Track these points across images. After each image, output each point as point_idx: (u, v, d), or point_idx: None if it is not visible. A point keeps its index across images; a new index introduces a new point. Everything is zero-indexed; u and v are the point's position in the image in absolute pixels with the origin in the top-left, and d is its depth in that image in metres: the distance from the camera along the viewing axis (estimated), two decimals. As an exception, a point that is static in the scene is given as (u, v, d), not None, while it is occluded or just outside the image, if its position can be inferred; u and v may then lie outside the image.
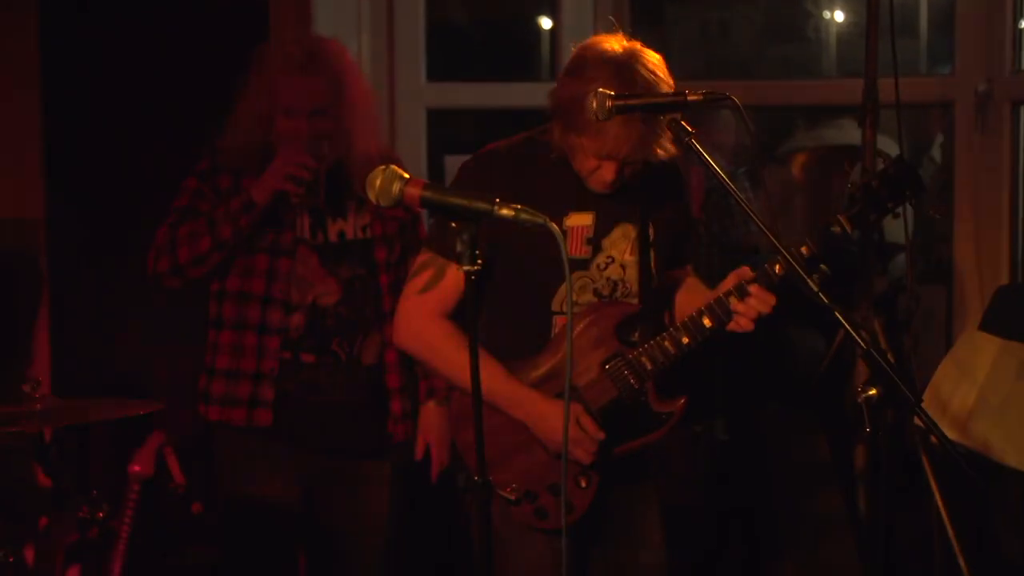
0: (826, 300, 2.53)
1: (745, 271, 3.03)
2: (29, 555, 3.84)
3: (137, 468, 3.85)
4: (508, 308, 3.09)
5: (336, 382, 3.58)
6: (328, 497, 3.68)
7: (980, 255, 4.48)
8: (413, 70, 4.78)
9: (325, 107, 3.49)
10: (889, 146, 4.07)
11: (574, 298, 3.08)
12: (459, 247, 2.39)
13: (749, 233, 4.86)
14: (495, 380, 3.00)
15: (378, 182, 2.43)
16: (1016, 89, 4.44)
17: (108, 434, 4.22)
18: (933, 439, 2.50)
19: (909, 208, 3.03)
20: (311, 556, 3.82)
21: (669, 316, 3.30)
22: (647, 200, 3.11)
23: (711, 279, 3.40)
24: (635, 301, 3.13)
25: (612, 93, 2.73)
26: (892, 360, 2.47)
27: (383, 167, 2.45)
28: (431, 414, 3.70)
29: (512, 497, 3.06)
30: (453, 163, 4.77)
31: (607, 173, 2.96)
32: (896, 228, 4.33)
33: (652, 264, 3.15)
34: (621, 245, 3.11)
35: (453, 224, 2.40)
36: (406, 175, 2.44)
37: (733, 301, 2.99)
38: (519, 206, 2.39)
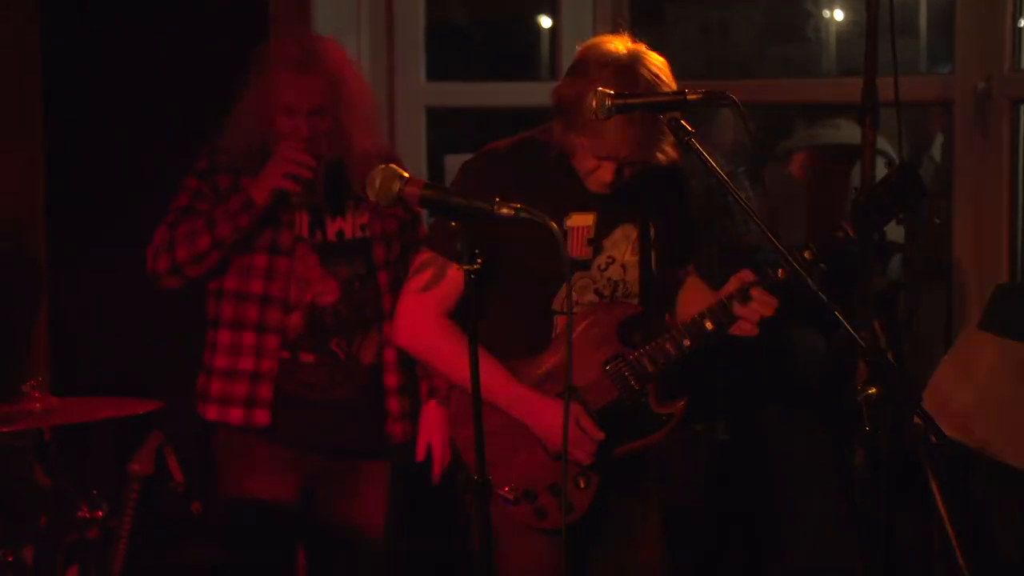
0: (826, 300, 2.53)
1: (746, 274, 3.03)
2: (29, 554, 3.84)
3: (137, 467, 3.85)
4: (509, 308, 3.09)
5: (335, 381, 3.58)
6: (327, 496, 3.68)
7: (980, 254, 4.48)
8: (413, 69, 4.78)
9: (324, 106, 3.49)
10: (884, 145, 4.07)
11: (575, 298, 3.08)
12: (459, 246, 2.39)
13: (749, 232, 4.86)
14: (495, 379, 3.00)
15: (378, 181, 2.44)
16: (1016, 88, 4.44)
17: (108, 433, 4.21)
18: (933, 438, 2.50)
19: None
20: (310, 555, 3.82)
21: (670, 317, 3.30)
22: (648, 200, 3.11)
23: (711, 279, 3.40)
24: (636, 302, 3.13)
25: (612, 92, 2.74)
26: (892, 359, 2.47)
27: (383, 166, 2.45)
28: (432, 414, 3.70)
29: (511, 497, 3.06)
30: (453, 162, 4.77)
31: (606, 173, 2.96)
32: (895, 228, 4.34)
33: (653, 264, 3.15)
34: (622, 245, 3.11)
35: (453, 223, 2.41)
36: (406, 174, 2.44)
37: (735, 304, 2.99)
38: (519, 205, 2.39)
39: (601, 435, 3.02)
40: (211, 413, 3.59)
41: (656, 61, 2.93)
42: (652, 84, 2.87)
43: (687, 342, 3.03)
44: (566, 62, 3.99)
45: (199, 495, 3.99)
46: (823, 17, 5.66)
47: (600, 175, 2.98)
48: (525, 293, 3.08)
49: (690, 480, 4.60)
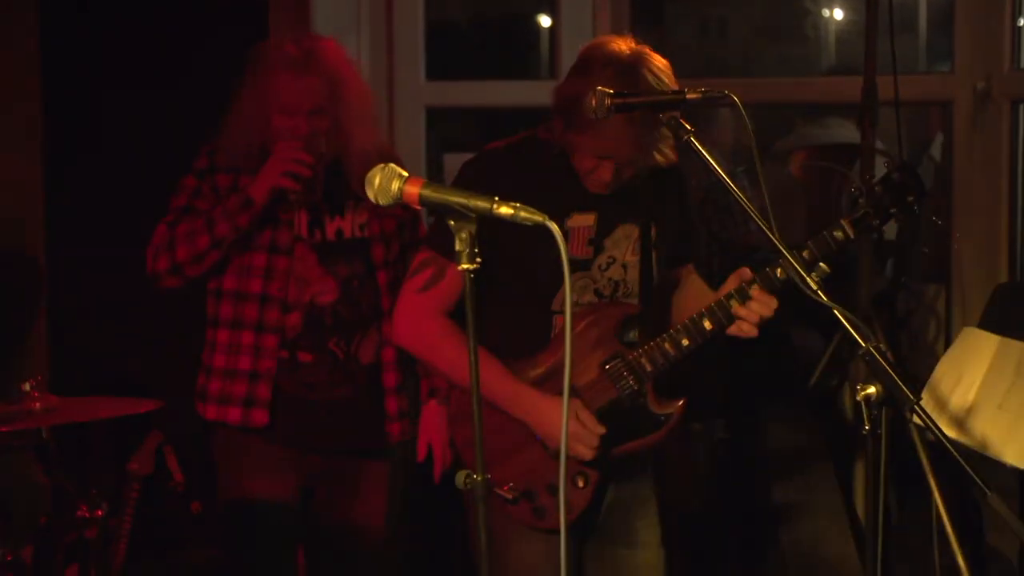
0: (825, 299, 2.53)
1: (745, 272, 3.03)
2: (28, 554, 3.84)
3: (136, 467, 3.86)
4: (508, 307, 3.09)
5: (334, 381, 3.57)
6: (327, 496, 3.68)
7: (979, 253, 4.48)
8: (412, 69, 4.78)
9: (322, 106, 3.49)
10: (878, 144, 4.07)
11: (575, 298, 3.08)
12: (458, 246, 2.39)
13: (748, 232, 4.86)
14: (494, 378, 3.00)
15: (377, 180, 2.43)
16: (1015, 87, 4.44)
17: (107, 433, 4.22)
18: (932, 437, 2.50)
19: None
20: (310, 555, 3.82)
21: (670, 317, 3.30)
22: (649, 200, 3.11)
23: (710, 277, 3.40)
24: (636, 302, 3.13)
25: (611, 92, 2.73)
26: (891, 358, 2.47)
27: (382, 165, 2.45)
28: (433, 414, 3.69)
29: (510, 496, 3.06)
30: (452, 161, 4.78)
31: (604, 173, 2.96)
32: (894, 227, 4.34)
33: (653, 265, 3.14)
34: (623, 245, 3.11)
35: (452, 222, 2.41)
36: (405, 173, 2.43)
37: (734, 304, 2.98)
38: (518, 204, 2.39)
39: (601, 429, 3.02)
40: (210, 413, 3.59)
41: (659, 63, 2.93)
42: (654, 85, 2.87)
43: (686, 342, 3.03)
44: (566, 61, 3.99)
45: (198, 495, 4.00)
46: (822, 16, 5.67)
47: (599, 175, 2.98)
48: (525, 293, 3.08)
49: (689, 479, 4.60)
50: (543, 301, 3.07)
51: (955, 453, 2.48)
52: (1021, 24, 4.49)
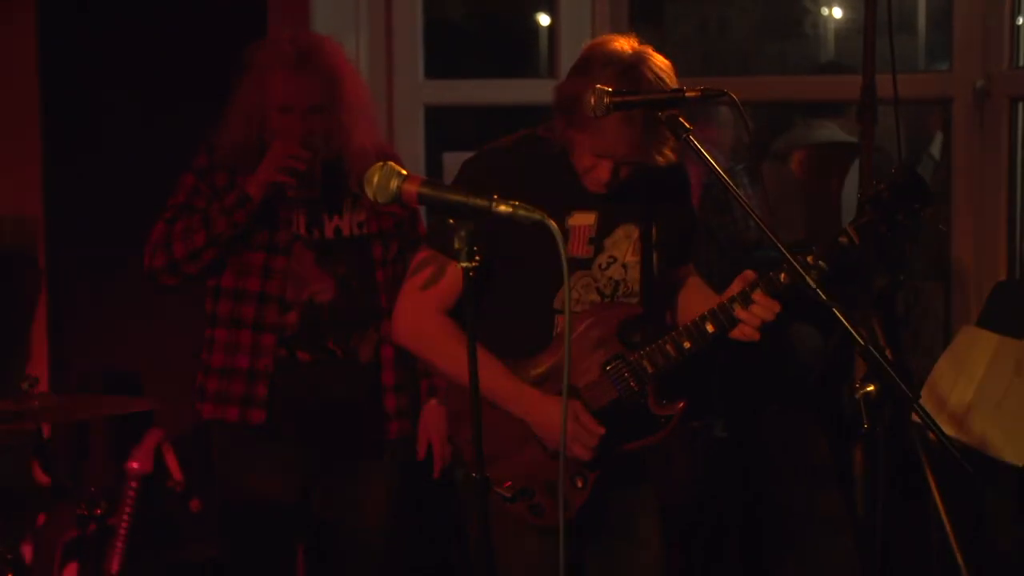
0: (824, 297, 2.52)
1: (749, 274, 3.03)
2: (27, 552, 3.84)
3: (135, 465, 3.85)
4: (509, 306, 3.08)
5: (332, 380, 3.58)
6: (326, 494, 3.68)
7: (978, 251, 4.48)
8: (411, 67, 4.78)
9: (320, 105, 3.49)
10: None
11: (576, 297, 3.07)
12: (457, 244, 2.39)
13: (748, 229, 4.86)
14: (494, 376, 2.99)
15: (375, 179, 2.43)
16: (1014, 85, 4.44)
17: (106, 431, 4.22)
18: (931, 435, 2.50)
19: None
20: (309, 553, 3.82)
21: (671, 317, 3.30)
22: (650, 200, 3.10)
23: (708, 276, 3.40)
24: (637, 301, 3.13)
25: (610, 90, 2.73)
26: (890, 357, 2.47)
27: (380, 164, 2.45)
28: (433, 412, 3.69)
29: (508, 495, 3.06)
30: (451, 160, 4.78)
31: (603, 172, 2.96)
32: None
33: (654, 264, 3.14)
34: (623, 245, 3.10)
35: (451, 221, 2.40)
36: (404, 171, 2.43)
37: (737, 308, 2.98)
38: (517, 202, 2.39)
39: (601, 430, 3.01)
40: (208, 411, 3.59)
41: (661, 63, 2.92)
42: (655, 85, 2.86)
43: (687, 344, 3.02)
44: (565, 60, 3.99)
45: (197, 493, 4.00)
46: (821, 14, 5.67)
47: (597, 174, 2.97)
48: (525, 292, 3.07)
49: (688, 479, 4.59)
50: (544, 300, 3.07)
51: (953, 450, 2.48)
52: (1020, 22, 4.49)
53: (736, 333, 3.01)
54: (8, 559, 3.59)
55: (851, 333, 2.48)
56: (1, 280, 4.57)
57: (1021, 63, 4.48)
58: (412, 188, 2.42)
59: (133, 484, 3.83)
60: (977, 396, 3.52)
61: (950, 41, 4.56)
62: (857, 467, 4.12)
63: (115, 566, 3.76)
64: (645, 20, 5.13)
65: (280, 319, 3.54)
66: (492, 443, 2.91)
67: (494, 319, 3.04)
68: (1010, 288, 3.99)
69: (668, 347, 3.03)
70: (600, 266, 3.09)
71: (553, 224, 2.37)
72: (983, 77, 4.43)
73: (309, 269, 3.56)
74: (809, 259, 2.92)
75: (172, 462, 3.92)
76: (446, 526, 4.29)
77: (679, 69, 2.96)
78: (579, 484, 3.07)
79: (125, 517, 3.80)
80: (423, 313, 3.09)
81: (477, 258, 2.38)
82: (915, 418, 2.48)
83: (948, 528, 2.58)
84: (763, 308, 2.96)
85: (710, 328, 3.01)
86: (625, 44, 2.93)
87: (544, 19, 5.26)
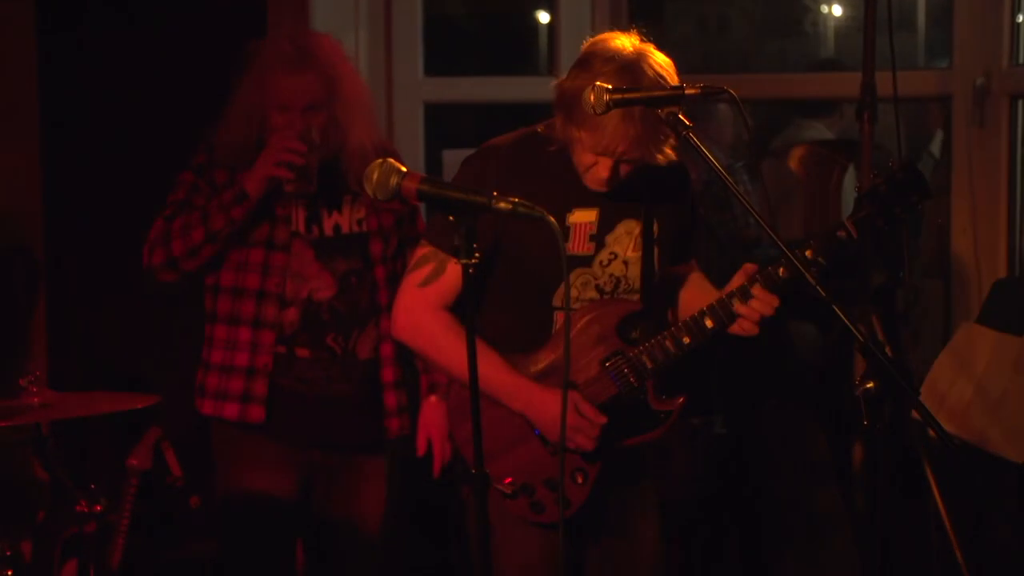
0: (824, 294, 2.53)
1: (749, 268, 3.03)
2: (27, 549, 3.84)
3: (135, 462, 3.86)
4: (509, 303, 3.09)
5: (331, 377, 3.57)
6: (325, 491, 3.68)
7: (978, 248, 4.48)
8: (411, 64, 4.78)
9: (319, 103, 3.48)
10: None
11: (576, 294, 3.07)
12: (457, 240, 2.39)
13: (748, 227, 4.87)
14: (495, 371, 2.99)
15: (375, 176, 2.43)
16: (1014, 82, 4.44)
17: (106, 428, 4.21)
18: (931, 432, 2.50)
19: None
20: (309, 550, 3.82)
21: (672, 314, 3.30)
22: (651, 197, 3.10)
23: (708, 273, 3.40)
24: (637, 298, 3.13)
25: (610, 87, 2.73)
26: (890, 354, 2.47)
27: (380, 161, 2.45)
28: (433, 409, 3.69)
29: (508, 491, 3.06)
30: (451, 157, 4.78)
31: (602, 170, 2.96)
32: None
33: (655, 261, 3.14)
34: (624, 242, 3.10)
35: (451, 217, 2.40)
36: (403, 168, 2.43)
37: (736, 303, 2.98)
38: (516, 199, 2.39)
39: (603, 418, 3.01)
40: (207, 408, 3.59)
41: (661, 61, 2.92)
42: (655, 83, 2.86)
43: (687, 339, 3.03)
44: (564, 57, 3.99)
45: (197, 490, 4.00)
46: (821, 12, 5.67)
47: (597, 171, 2.97)
48: (525, 289, 3.07)
49: (687, 475, 4.59)
50: (544, 297, 3.07)
51: (952, 446, 2.48)
52: (1020, 20, 4.49)
53: (735, 328, 3.01)
54: (8, 556, 3.59)
55: (850, 329, 2.48)
56: (1, 277, 4.57)
57: (1021, 60, 4.48)
58: (411, 185, 2.42)
59: (133, 481, 3.84)
60: (977, 393, 3.52)
61: (950, 38, 4.56)
62: (857, 464, 4.12)
63: (115, 563, 3.77)
64: (645, 18, 5.11)
65: (279, 316, 3.54)
66: (492, 439, 2.91)
67: (494, 316, 3.05)
68: (1010, 285, 3.99)
69: (667, 343, 3.04)
70: (601, 263, 3.09)
71: (553, 221, 2.37)
72: (983, 74, 4.43)
73: (308, 266, 3.56)
74: (808, 254, 2.92)
75: (172, 459, 3.93)
76: (445, 522, 4.29)
77: (679, 67, 2.96)
78: (579, 480, 3.07)
79: (125, 514, 3.80)
80: (422, 309, 3.09)
81: (477, 255, 2.39)
82: (915, 415, 2.48)
83: (948, 525, 2.58)
84: (762, 303, 2.97)
85: (709, 324, 3.01)
86: (625, 42, 2.93)
87: (544, 16, 5.26)
